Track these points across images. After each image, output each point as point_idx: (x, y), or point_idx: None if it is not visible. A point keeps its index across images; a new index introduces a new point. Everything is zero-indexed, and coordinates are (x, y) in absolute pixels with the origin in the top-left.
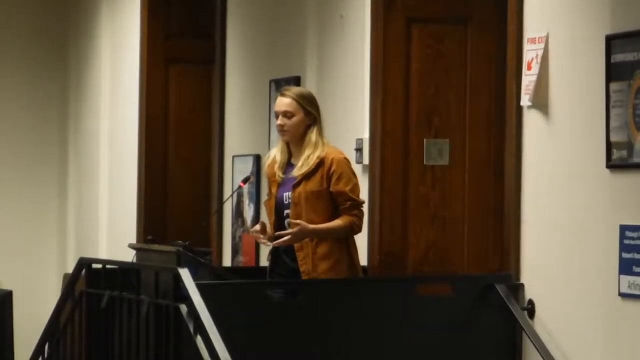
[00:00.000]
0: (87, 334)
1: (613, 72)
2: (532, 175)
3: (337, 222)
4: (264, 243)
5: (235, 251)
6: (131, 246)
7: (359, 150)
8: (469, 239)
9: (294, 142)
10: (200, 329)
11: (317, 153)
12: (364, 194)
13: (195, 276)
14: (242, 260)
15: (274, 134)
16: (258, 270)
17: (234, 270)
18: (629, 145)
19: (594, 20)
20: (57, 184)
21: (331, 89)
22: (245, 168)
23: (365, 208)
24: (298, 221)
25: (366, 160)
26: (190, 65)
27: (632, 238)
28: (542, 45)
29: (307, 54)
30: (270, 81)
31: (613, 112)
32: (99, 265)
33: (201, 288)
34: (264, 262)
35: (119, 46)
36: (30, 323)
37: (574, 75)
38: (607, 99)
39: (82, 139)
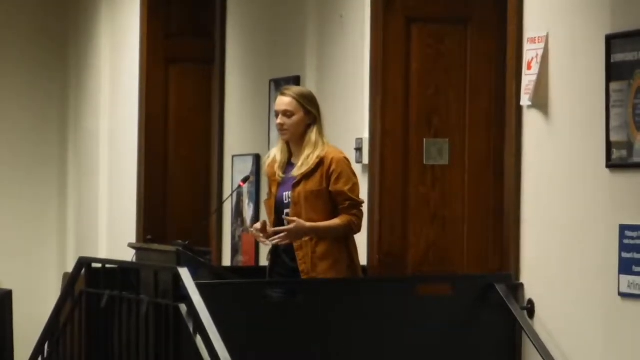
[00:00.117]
0: (86, 334)
1: (613, 72)
2: (532, 175)
3: (335, 221)
4: (263, 242)
5: (234, 251)
6: (131, 246)
7: (358, 150)
8: (468, 238)
9: (294, 141)
10: (200, 328)
11: (317, 153)
12: (363, 194)
13: (194, 276)
14: (241, 259)
15: (274, 134)
16: (258, 269)
17: (233, 269)
18: (629, 145)
19: (594, 20)
20: (57, 183)
21: (331, 88)
22: (245, 168)
23: (365, 208)
24: (294, 218)
25: (366, 160)
26: (190, 64)
27: (632, 238)
28: (542, 45)
29: (307, 54)
30: (270, 81)
31: (613, 111)
32: (99, 265)
33: (201, 288)
34: (264, 261)
35: (118, 46)
36: (30, 322)
37: (574, 75)
38: (607, 98)
39: (82, 139)
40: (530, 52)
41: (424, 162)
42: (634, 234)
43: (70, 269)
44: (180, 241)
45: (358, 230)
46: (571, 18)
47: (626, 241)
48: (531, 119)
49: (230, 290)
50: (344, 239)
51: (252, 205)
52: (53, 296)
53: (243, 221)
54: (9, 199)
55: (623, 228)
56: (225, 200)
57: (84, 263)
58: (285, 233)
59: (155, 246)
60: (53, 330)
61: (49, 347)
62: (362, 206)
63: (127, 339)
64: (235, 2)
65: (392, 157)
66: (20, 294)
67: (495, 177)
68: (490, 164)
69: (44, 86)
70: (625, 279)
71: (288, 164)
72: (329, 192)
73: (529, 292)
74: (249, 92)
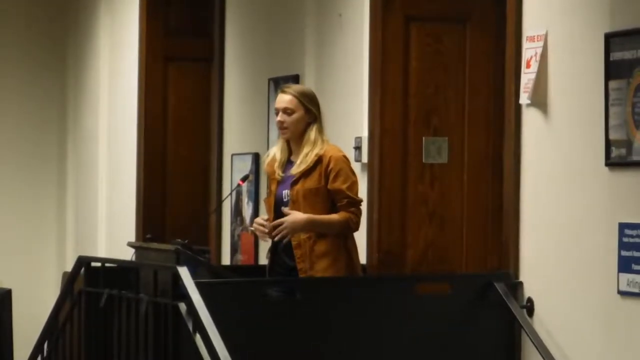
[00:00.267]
0: (86, 333)
1: (612, 70)
2: (531, 173)
3: (333, 216)
4: (264, 237)
5: (234, 249)
6: (130, 245)
7: (357, 148)
8: (467, 237)
9: (294, 139)
10: (199, 327)
11: (316, 151)
12: (362, 193)
13: (194, 275)
14: (240, 258)
15: (273, 133)
16: (257, 268)
17: (232, 268)
18: (628, 143)
19: (593, 19)
20: (56, 183)
21: (330, 87)
22: (244, 166)
23: (364, 206)
24: (291, 210)
25: (365, 158)
26: (189, 63)
27: (631, 236)
28: (541, 44)
29: (306, 53)
30: (269, 80)
31: (612, 110)
32: (98, 264)
33: (200, 286)
34: (263, 260)
35: (117, 44)
36: (29, 322)
37: (573, 74)
38: (606, 97)
39: (81, 138)
40: (529, 51)
41: (423, 161)
42: (633, 232)
43: (69, 268)
44: (179, 240)
45: (356, 228)
46: (570, 16)
47: (625, 239)
48: (530, 118)
49: (230, 289)
50: (342, 237)
51: (251, 204)
52: (52, 295)
53: (242, 220)
54: (9, 199)
55: (622, 226)
56: (224, 199)
57: (83, 262)
58: (284, 225)
59: (155, 245)
60: (52, 330)
61: (48, 346)
62: (360, 204)
63: (127, 338)
64: (235, 1)
65: (391, 155)
66: (20, 293)
67: (494, 176)
68: (489, 162)
69: (43, 86)
70: (625, 277)
71: (288, 163)
72: (328, 190)
73: (528, 291)
74: (248, 90)
